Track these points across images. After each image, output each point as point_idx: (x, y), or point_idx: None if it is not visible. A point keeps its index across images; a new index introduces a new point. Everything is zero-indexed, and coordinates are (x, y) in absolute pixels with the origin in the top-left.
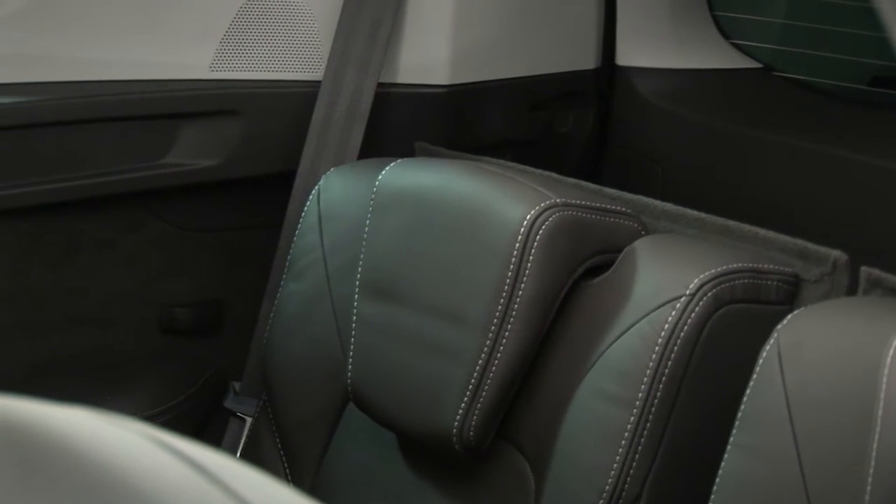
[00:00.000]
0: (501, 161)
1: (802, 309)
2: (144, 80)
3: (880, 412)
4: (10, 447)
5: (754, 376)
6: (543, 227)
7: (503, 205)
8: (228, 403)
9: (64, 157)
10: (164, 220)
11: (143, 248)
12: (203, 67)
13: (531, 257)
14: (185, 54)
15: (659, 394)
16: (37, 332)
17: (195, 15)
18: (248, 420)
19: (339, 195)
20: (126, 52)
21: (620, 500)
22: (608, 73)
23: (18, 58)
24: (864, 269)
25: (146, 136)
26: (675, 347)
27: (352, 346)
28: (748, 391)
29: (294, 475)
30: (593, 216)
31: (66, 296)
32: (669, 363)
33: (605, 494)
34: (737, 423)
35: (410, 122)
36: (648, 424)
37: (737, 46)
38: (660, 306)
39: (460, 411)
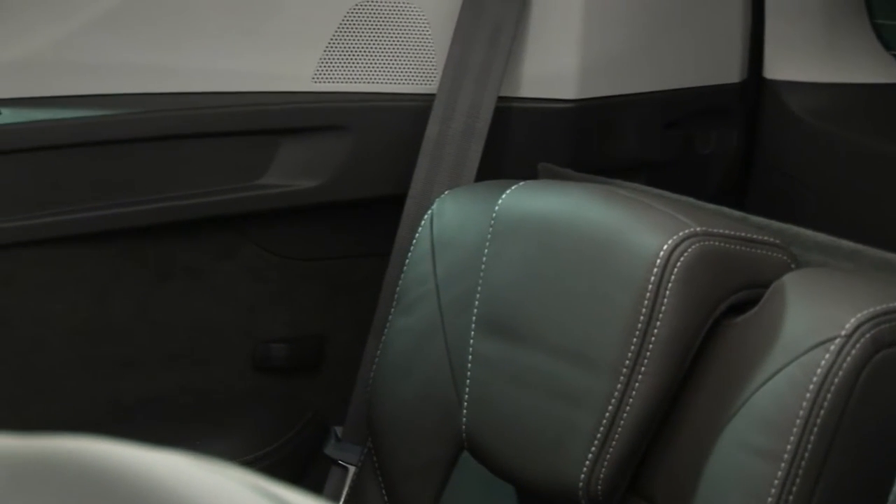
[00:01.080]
0: (635, 184)
1: None
2: (241, 91)
3: None
4: (100, 495)
5: None
6: (682, 258)
7: (637, 233)
8: (329, 450)
9: (154, 176)
10: (261, 246)
11: (238, 276)
12: (305, 79)
13: (668, 292)
14: (286, 64)
15: (810, 446)
16: (121, 369)
17: (296, 21)
18: (352, 469)
19: (454, 221)
20: (221, 61)
21: None
22: (755, 87)
23: (105, 67)
24: None
25: (243, 153)
26: (829, 395)
27: (467, 389)
28: None
29: None
30: (737, 247)
31: (154, 329)
32: (822, 412)
33: None
34: None
35: (534, 140)
36: (798, 480)
37: None
38: (811, 348)
39: (587, 462)
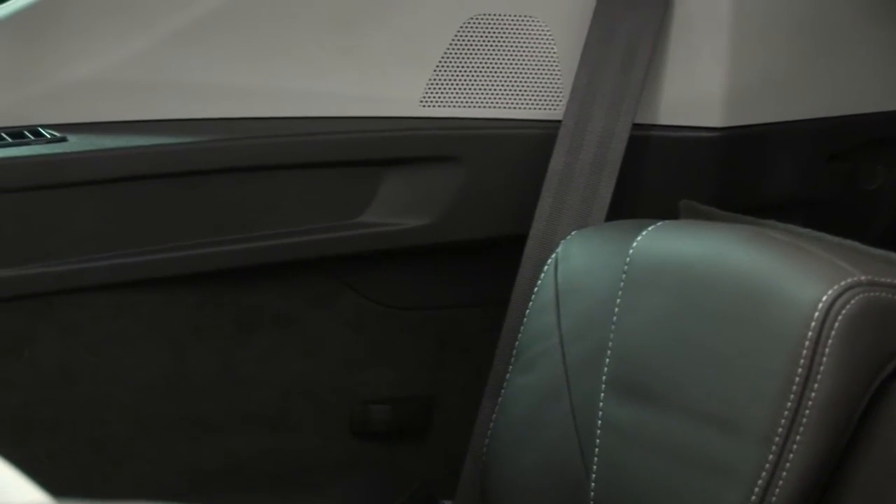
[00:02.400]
0: (789, 226)
1: None
2: (338, 117)
3: None
4: None
5: None
6: (844, 311)
7: (792, 282)
8: None
9: (239, 213)
10: (361, 293)
11: (334, 328)
12: (412, 103)
13: (827, 349)
14: (390, 86)
15: None
16: (202, 431)
17: (402, 38)
18: None
19: (582, 266)
20: (316, 82)
21: None
22: None
23: (185, 88)
24: None
25: (340, 187)
26: None
27: (595, 458)
28: None
29: None
30: None
31: (238, 386)
32: None
33: None
34: None
35: (673, 173)
36: None
37: None
38: None
39: None
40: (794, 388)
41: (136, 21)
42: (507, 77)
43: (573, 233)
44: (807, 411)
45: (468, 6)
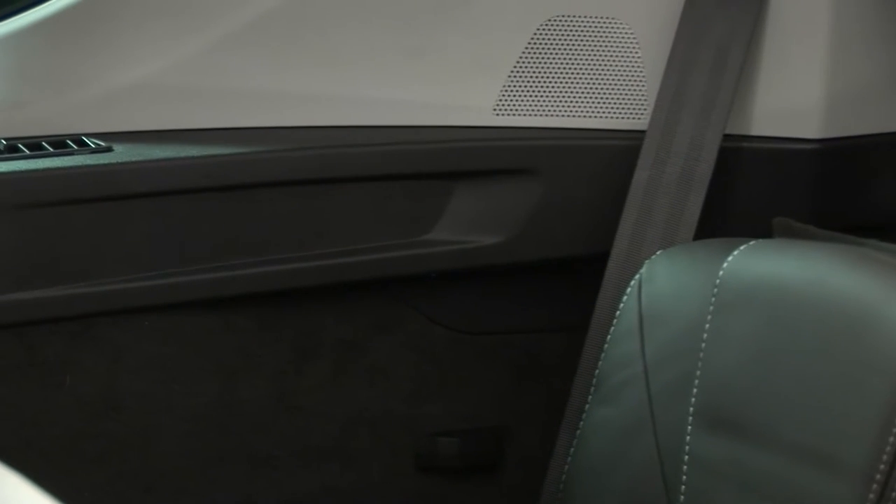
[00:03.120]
0: (893, 246)
1: None
2: (403, 126)
3: None
4: None
5: None
6: None
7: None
8: None
9: (296, 229)
10: (428, 317)
11: (398, 354)
12: (484, 111)
13: None
14: (461, 93)
15: None
16: (255, 465)
17: (474, 40)
18: None
19: (668, 288)
20: (380, 88)
21: None
22: None
23: (238, 94)
24: None
25: (406, 202)
26: None
27: (682, 496)
28: None
29: None
30: None
31: (295, 416)
32: None
33: None
34: None
35: (767, 188)
36: None
37: None
38: None
39: None
40: None
41: (186, 22)
42: (588, 83)
43: (658, 252)
44: None
45: (546, 7)
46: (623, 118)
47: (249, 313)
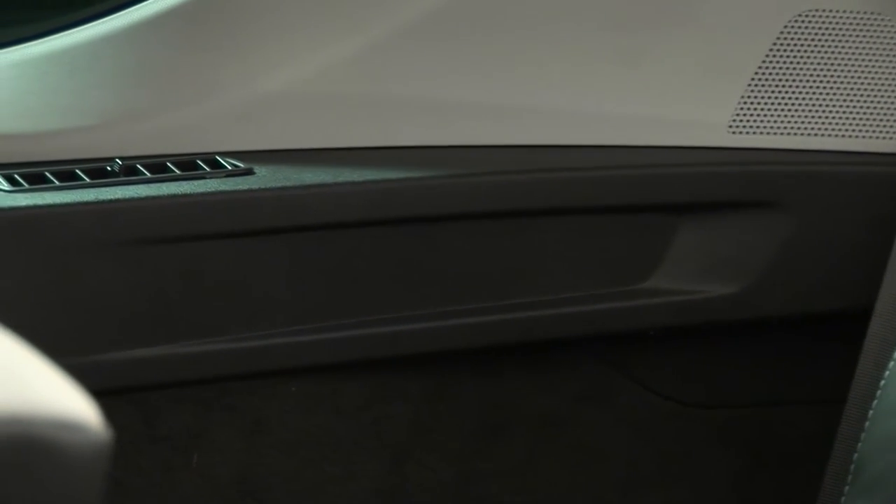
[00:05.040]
0: None
1: None
2: (613, 146)
3: None
4: None
5: None
6: None
7: None
8: None
9: (482, 274)
10: (645, 385)
11: (609, 431)
12: (718, 128)
13: None
14: (689, 106)
15: None
16: None
17: (705, 39)
18: None
19: None
20: (588, 99)
21: None
22: None
23: (410, 104)
24: None
25: (618, 241)
26: None
27: None
28: None
29: None
30: None
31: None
32: None
33: None
34: None
35: None
36: None
37: None
38: None
39: None
40: None
41: (343, 18)
42: (847, 95)
43: None
44: None
45: (794, 1)
46: (889, 139)
47: (421, 377)
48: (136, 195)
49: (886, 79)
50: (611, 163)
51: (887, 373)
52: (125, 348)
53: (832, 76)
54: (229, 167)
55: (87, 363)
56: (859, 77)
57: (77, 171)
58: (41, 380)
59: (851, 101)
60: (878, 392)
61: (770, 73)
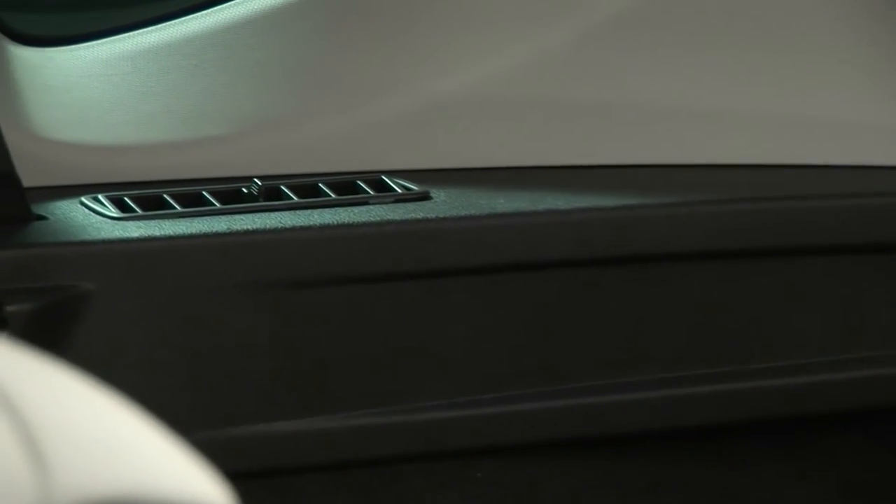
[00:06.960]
0: None
1: None
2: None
3: None
4: None
5: None
6: None
7: None
8: None
9: (720, 328)
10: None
11: None
12: None
13: None
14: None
15: None
16: None
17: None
18: None
19: None
20: (858, 108)
21: None
22: None
23: (616, 111)
24: None
25: (891, 287)
26: None
27: None
28: None
29: None
30: None
31: None
32: None
33: None
34: None
35: None
36: None
37: None
38: None
39: None
40: None
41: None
42: None
43: None
44: None
45: None
46: None
47: (642, 463)
48: (278, 226)
49: None
50: (883, 189)
51: None
52: (264, 420)
53: None
54: (399, 190)
55: (218, 438)
56: None
57: (204, 193)
58: (164, 458)
59: None
60: None
61: None
